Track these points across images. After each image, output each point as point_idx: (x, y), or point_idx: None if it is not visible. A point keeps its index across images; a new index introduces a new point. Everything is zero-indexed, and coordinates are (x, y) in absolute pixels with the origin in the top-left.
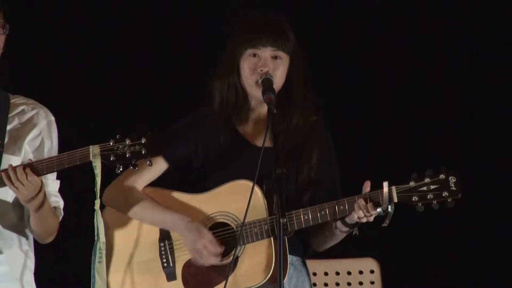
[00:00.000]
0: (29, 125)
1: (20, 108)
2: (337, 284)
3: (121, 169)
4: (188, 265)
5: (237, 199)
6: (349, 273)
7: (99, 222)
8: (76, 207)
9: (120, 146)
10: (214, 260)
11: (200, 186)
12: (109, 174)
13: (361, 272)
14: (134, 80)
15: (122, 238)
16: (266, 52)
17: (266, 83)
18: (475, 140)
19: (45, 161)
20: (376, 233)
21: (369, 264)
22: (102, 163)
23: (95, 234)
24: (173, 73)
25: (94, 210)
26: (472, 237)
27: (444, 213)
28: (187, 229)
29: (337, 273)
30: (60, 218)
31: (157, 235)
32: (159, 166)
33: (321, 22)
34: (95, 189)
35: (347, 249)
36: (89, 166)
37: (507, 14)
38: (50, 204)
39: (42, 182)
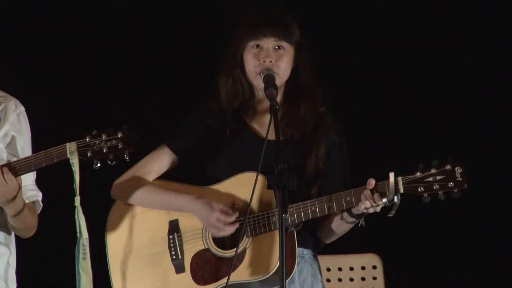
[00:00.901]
0: None
1: None
2: (340, 279)
3: (98, 165)
4: (197, 258)
5: (245, 191)
6: (351, 268)
7: (81, 219)
8: (58, 204)
9: (97, 142)
10: (232, 228)
11: (208, 178)
12: (89, 169)
13: (363, 268)
14: (128, 76)
15: (131, 231)
16: (268, 43)
17: (268, 79)
18: (483, 130)
19: (22, 161)
20: (378, 228)
21: (371, 260)
22: (79, 159)
23: (77, 231)
24: (178, 67)
25: (74, 207)
26: (476, 232)
27: (447, 208)
28: (197, 206)
29: (340, 269)
30: (39, 210)
31: (166, 228)
32: (167, 159)
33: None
34: (74, 186)
35: (350, 245)
36: (67, 163)
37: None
38: (27, 201)
39: (19, 185)
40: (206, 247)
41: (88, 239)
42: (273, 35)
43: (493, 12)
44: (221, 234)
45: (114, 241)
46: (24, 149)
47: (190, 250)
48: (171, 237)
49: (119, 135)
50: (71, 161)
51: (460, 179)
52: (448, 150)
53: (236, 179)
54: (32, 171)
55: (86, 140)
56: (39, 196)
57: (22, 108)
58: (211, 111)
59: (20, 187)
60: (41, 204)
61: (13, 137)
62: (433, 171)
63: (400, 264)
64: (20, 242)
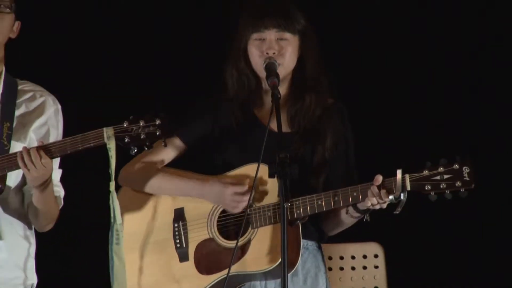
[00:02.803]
0: (36, 112)
1: (28, 94)
2: (341, 268)
3: (135, 151)
4: (201, 247)
5: (250, 182)
6: (353, 257)
7: (115, 204)
8: (86, 191)
9: (134, 128)
10: (246, 199)
11: (215, 168)
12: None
13: (365, 257)
14: (144, 68)
15: (137, 219)
16: (270, 35)
17: (269, 68)
18: (491, 130)
19: (58, 143)
20: (380, 217)
21: (373, 249)
22: (116, 145)
23: (111, 216)
24: (186, 60)
25: (108, 192)
26: (479, 224)
27: (451, 199)
28: (207, 187)
29: (341, 258)
30: (60, 207)
31: (171, 216)
32: (176, 147)
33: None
34: (109, 171)
35: (351, 233)
36: (100, 149)
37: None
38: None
39: (52, 165)
40: (211, 236)
41: (122, 225)
42: (274, 26)
43: (493, 12)
44: (240, 207)
45: None
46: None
47: (194, 239)
48: (176, 225)
49: (157, 121)
50: (108, 146)
51: (467, 178)
52: (457, 149)
53: (242, 170)
54: (68, 154)
55: (124, 126)
56: (61, 193)
57: (59, 106)
58: (219, 101)
59: (52, 167)
60: (62, 202)
61: (47, 130)
62: (440, 169)
63: (402, 253)
64: (40, 236)
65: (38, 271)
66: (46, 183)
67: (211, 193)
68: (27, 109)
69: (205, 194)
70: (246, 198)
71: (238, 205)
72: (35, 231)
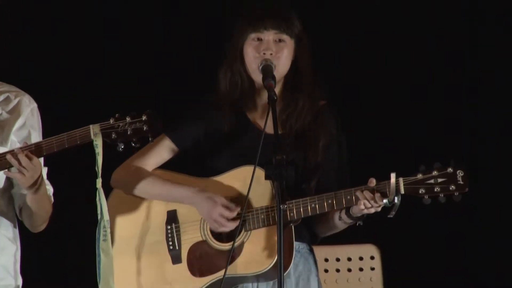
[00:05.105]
0: (14, 114)
1: (2, 96)
2: (337, 270)
3: (122, 147)
4: (194, 249)
5: (244, 185)
6: (349, 259)
7: (102, 201)
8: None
9: (121, 124)
10: (234, 224)
11: (208, 171)
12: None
13: (361, 258)
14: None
15: (129, 221)
16: (269, 36)
17: (266, 70)
18: (486, 133)
19: (44, 142)
20: (376, 219)
21: (369, 250)
22: (103, 141)
23: (98, 212)
24: (177, 60)
25: (95, 189)
26: (475, 225)
27: (447, 201)
28: (199, 199)
29: (338, 259)
30: (51, 203)
31: (164, 217)
32: (168, 149)
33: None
34: (96, 168)
35: (348, 235)
36: (86, 147)
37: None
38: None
39: (41, 163)
40: (204, 239)
41: (109, 221)
42: (274, 27)
43: (493, 12)
44: (221, 229)
45: (111, 229)
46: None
47: (187, 241)
48: (168, 227)
49: (144, 117)
50: (94, 142)
51: (461, 182)
52: (451, 152)
53: (236, 172)
54: (55, 152)
55: (110, 122)
56: (51, 190)
57: (35, 104)
58: (212, 103)
59: (41, 166)
60: (52, 199)
61: (29, 132)
62: (434, 173)
63: (398, 255)
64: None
65: (22, 271)
66: (38, 183)
67: (200, 207)
68: (3, 111)
69: (195, 205)
70: (230, 224)
71: (219, 228)
72: (20, 232)
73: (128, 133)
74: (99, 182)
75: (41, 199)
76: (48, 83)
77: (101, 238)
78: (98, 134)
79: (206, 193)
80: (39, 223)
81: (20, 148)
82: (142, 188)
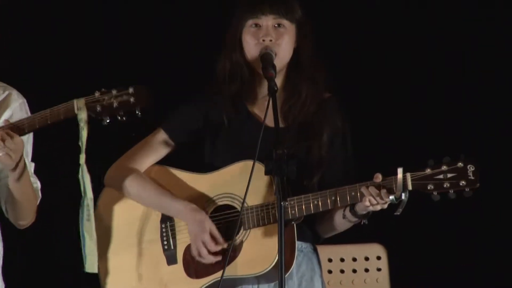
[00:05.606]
0: (1, 107)
1: None
2: (342, 271)
3: (108, 121)
4: (190, 249)
5: (244, 180)
6: (354, 259)
7: (86, 178)
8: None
9: (106, 98)
10: (212, 259)
11: (208, 165)
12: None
13: (367, 259)
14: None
15: (121, 219)
16: (268, 21)
17: (266, 59)
18: (496, 127)
19: (26, 119)
20: (383, 217)
21: (375, 250)
22: (88, 116)
23: (82, 190)
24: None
25: (78, 165)
26: (485, 225)
27: (457, 198)
28: (191, 219)
29: (342, 260)
30: (38, 201)
31: (158, 216)
32: (165, 144)
33: None
34: (79, 143)
35: (353, 234)
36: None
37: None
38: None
39: (23, 142)
40: None
41: (92, 199)
42: (272, 12)
43: (493, 12)
44: (198, 259)
45: (103, 228)
46: (24, 140)
47: (183, 241)
48: (163, 225)
49: (130, 90)
50: (78, 117)
51: (472, 177)
52: (460, 146)
53: (234, 167)
54: (37, 129)
55: (95, 96)
56: (38, 184)
57: (24, 99)
58: (210, 95)
59: (23, 146)
60: (40, 194)
61: None
62: (444, 168)
63: (406, 255)
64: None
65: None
66: (21, 166)
67: (190, 225)
68: None
69: (187, 221)
70: (210, 257)
71: (197, 257)
72: (1, 233)
73: (114, 106)
74: (82, 158)
75: (25, 185)
76: (48, 83)
77: (85, 218)
78: (82, 108)
79: (199, 214)
80: (24, 215)
81: (0, 126)
82: (135, 195)
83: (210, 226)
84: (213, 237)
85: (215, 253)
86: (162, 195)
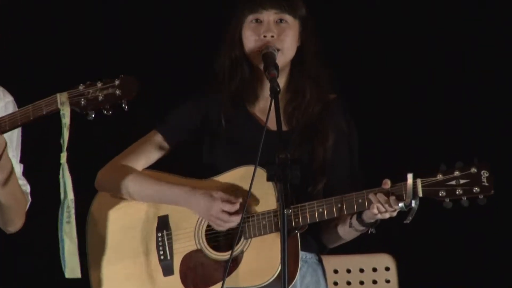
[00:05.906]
0: None
1: None
2: (348, 283)
3: (93, 115)
4: (188, 259)
5: (245, 186)
6: (361, 270)
7: (66, 178)
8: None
9: (91, 91)
10: (238, 219)
11: (205, 170)
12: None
13: (375, 270)
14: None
15: (116, 227)
16: (269, 16)
17: (268, 58)
18: (491, 130)
19: (7, 116)
20: (391, 225)
21: (384, 261)
22: (72, 111)
23: (62, 191)
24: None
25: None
26: (498, 233)
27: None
28: (194, 198)
29: (348, 271)
30: (28, 204)
31: (154, 224)
32: (159, 147)
33: None
34: (61, 141)
35: (360, 243)
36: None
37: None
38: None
39: (5, 140)
40: (199, 247)
41: (73, 201)
42: (273, 7)
43: (493, 12)
44: (227, 226)
45: (96, 236)
46: (12, 141)
47: (180, 251)
48: (159, 234)
49: (116, 82)
50: (61, 112)
51: (486, 184)
52: (473, 151)
53: (234, 173)
54: (19, 126)
55: (79, 89)
56: (28, 187)
57: (11, 98)
58: (208, 96)
59: (6, 145)
60: (29, 198)
61: None
62: (456, 173)
63: (416, 265)
64: None
65: None
66: (6, 167)
67: (197, 205)
68: None
69: (191, 204)
70: (235, 218)
71: (224, 225)
72: None
73: (100, 99)
74: (63, 157)
75: (12, 188)
76: (48, 83)
77: (65, 220)
78: (65, 103)
79: (201, 189)
80: (12, 221)
81: None
82: (131, 188)
83: (216, 193)
84: (225, 201)
85: (236, 213)
86: (158, 184)
